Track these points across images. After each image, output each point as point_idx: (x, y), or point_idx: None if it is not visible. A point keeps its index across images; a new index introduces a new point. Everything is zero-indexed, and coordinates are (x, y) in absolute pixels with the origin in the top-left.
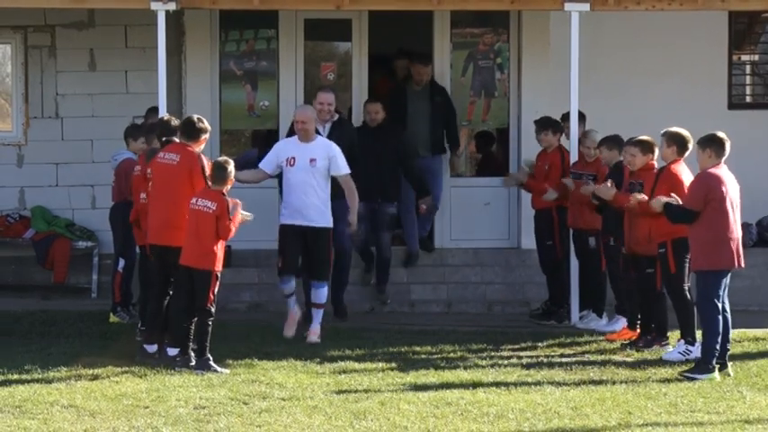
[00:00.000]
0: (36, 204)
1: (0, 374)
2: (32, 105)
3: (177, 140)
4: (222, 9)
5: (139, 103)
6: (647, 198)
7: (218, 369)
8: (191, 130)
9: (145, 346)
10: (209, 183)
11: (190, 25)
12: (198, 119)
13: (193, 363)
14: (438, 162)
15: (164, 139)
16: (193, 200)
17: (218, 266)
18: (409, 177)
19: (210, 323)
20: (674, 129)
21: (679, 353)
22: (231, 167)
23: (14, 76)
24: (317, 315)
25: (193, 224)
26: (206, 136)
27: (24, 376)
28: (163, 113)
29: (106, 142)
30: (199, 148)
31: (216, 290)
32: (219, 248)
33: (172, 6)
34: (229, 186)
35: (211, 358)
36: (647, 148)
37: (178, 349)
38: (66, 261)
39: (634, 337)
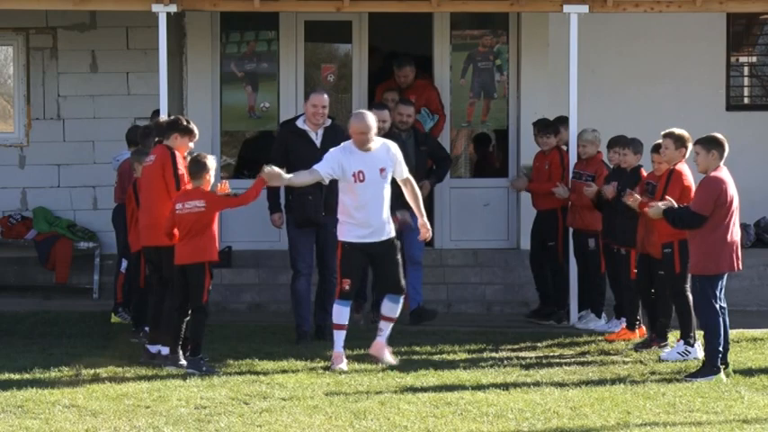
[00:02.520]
0: (38, 205)
1: (2, 374)
2: (34, 107)
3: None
4: (223, 11)
5: (141, 104)
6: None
7: (210, 369)
8: (173, 129)
9: (148, 346)
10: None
11: (191, 27)
12: (179, 118)
13: (182, 362)
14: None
15: (156, 140)
16: (179, 205)
17: (213, 256)
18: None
19: (205, 321)
20: (680, 130)
21: (678, 353)
22: (209, 161)
23: (16, 77)
24: (388, 328)
25: (184, 228)
26: (189, 138)
27: (26, 376)
28: (163, 115)
29: (108, 143)
30: (182, 149)
31: (209, 286)
32: (212, 240)
33: (173, 8)
34: (208, 179)
35: (204, 358)
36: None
37: (169, 348)
38: (68, 262)
39: (633, 338)
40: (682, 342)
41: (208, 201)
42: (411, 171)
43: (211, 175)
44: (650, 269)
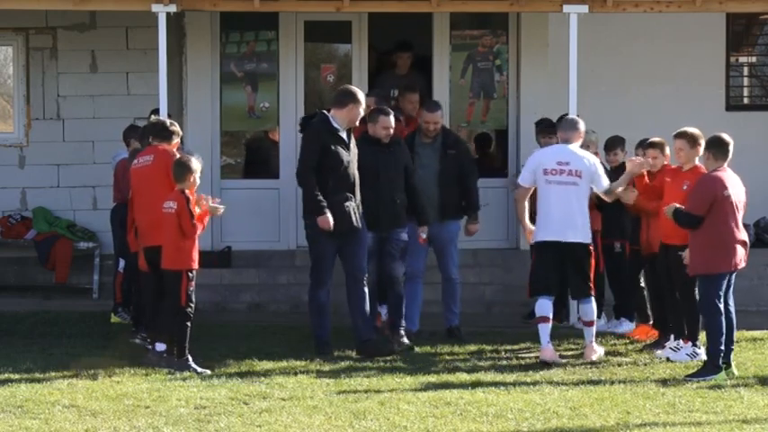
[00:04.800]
0: (38, 205)
1: (2, 375)
2: (34, 107)
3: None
4: (223, 11)
5: (141, 104)
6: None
7: (199, 369)
8: (161, 132)
9: (151, 346)
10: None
11: (190, 27)
12: (170, 122)
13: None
14: (450, 230)
15: (149, 139)
16: (164, 204)
17: (189, 265)
18: (414, 201)
19: (188, 324)
20: (693, 129)
21: (687, 354)
22: (192, 164)
23: (16, 77)
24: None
25: (164, 227)
26: (177, 139)
27: (26, 376)
28: (163, 115)
29: (107, 144)
30: (173, 148)
31: (189, 289)
32: (189, 247)
33: (172, 8)
34: (191, 182)
35: (191, 358)
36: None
37: (165, 346)
38: (68, 262)
39: (653, 335)
40: (690, 344)
41: (179, 203)
42: (435, 176)
43: (196, 178)
44: (657, 268)
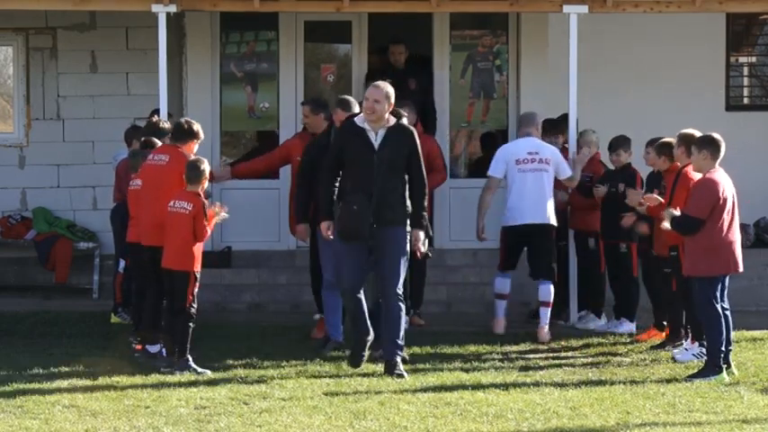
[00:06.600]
0: (38, 205)
1: (2, 375)
2: (34, 107)
3: (167, 143)
4: (223, 11)
5: (141, 104)
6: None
7: (199, 369)
8: (181, 133)
9: (146, 346)
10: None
11: (190, 27)
12: (186, 121)
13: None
14: None
15: (142, 139)
16: (171, 203)
17: (197, 267)
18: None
19: (191, 324)
20: (690, 131)
21: (693, 354)
22: (205, 166)
23: (16, 77)
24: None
25: (171, 227)
26: (196, 141)
27: (26, 376)
28: (164, 115)
29: (107, 144)
30: (190, 151)
31: (195, 290)
32: (197, 249)
33: (172, 9)
34: (205, 185)
35: (191, 359)
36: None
37: (158, 347)
38: (68, 262)
39: (661, 337)
40: (697, 344)
41: (195, 206)
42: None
43: (206, 180)
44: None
